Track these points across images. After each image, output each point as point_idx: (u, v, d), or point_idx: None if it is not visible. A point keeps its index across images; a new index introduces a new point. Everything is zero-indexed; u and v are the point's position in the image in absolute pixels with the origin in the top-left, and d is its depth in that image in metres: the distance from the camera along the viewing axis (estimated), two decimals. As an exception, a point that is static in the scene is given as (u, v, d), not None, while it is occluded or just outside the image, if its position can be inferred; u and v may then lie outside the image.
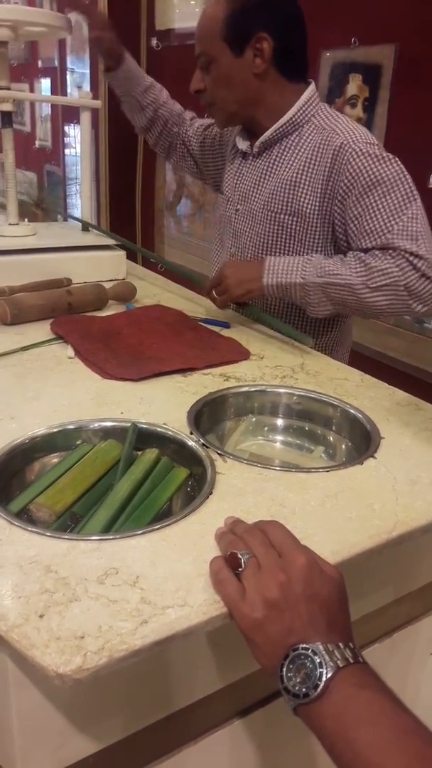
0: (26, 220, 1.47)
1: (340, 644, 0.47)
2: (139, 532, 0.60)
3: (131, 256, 1.56)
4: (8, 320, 1.14)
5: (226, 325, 1.22)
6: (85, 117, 1.48)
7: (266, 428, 0.95)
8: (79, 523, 0.67)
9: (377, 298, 1.06)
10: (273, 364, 1.05)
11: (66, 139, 3.54)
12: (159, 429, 0.80)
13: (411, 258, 1.04)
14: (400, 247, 1.05)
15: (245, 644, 0.50)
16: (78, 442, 0.80)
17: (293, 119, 1.15)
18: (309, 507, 0.66)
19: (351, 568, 0.59)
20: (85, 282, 1.35)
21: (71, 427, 0.80)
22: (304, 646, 0.46)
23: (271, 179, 1.19)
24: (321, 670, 0.45)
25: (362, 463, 0.76)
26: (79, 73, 3.28)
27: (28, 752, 0.53)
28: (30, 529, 0.60)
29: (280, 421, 0.95)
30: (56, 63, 3.47)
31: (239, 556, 0.53)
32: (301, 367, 1.05)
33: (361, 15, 1.77)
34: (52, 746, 0.54)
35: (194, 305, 1.35)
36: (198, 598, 0.53)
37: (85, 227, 1.56)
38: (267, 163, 1.20)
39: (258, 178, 1.22)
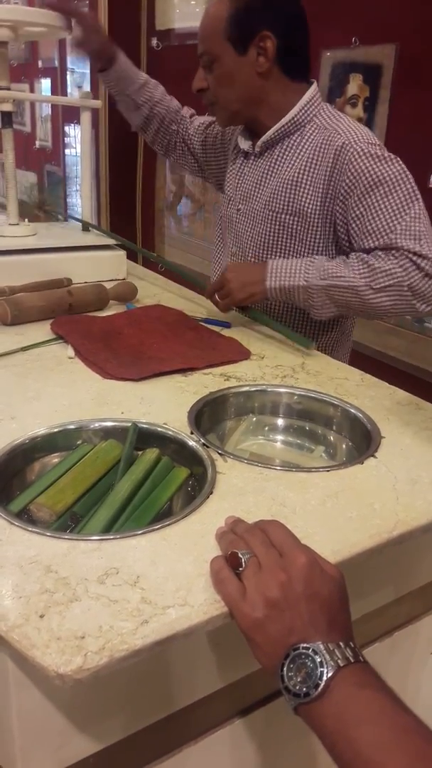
0: (26, 220, 1.47)
1: (341, 643, 0.47)
2: (140, 531, 0.60)
3: (131, 256, 1.56)
4: (8, 320, 1.14)
5: (227, 325, 1.22)
6: (85, 117, 1.48)
7: (267, 428, 0.95)
8: (80, 523, 0.67)
9: (381, 299, 1.06)
10: (273, 364, 1.04)
11: (66, 139, 3.54)
12: (159, 429, 0.80)
13: (414, 258, 1.04)
14: (403, 247, 1.04)
15: (246, 644, 0.50)
16: (78, 442, 0.80)
17: (295, 119, 1.15)
18: (309, 506, 0.66)
19: (351, 567, 0.59)
20: (85, 282, 1.35)
21: (72, 427, 0.80)
22: (304, 645, 0.46)
23: (272, 179, 1.19)
24: (321, 669, 0.45)
25: (363, 463, 0.76)
26: (79, 73, 3.28)
27: (28, 752, 0.53)
28: (30, 529, 0.60)
29: (280, 421, 0.95)
30: (56, 63, 3.47)
31: (240, 555, 0.53)
32: (302, 366, 1.05)
33: (361, 15, 1.77)
34: (52, 746, 0.54)
35: (194, 305, 1.35)
36: (198, 597, 0.52)
37: (86, 227, 1.56)
38: (268, 163, 1.20)
39: (259, 178, 1.22)
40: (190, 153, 1.44)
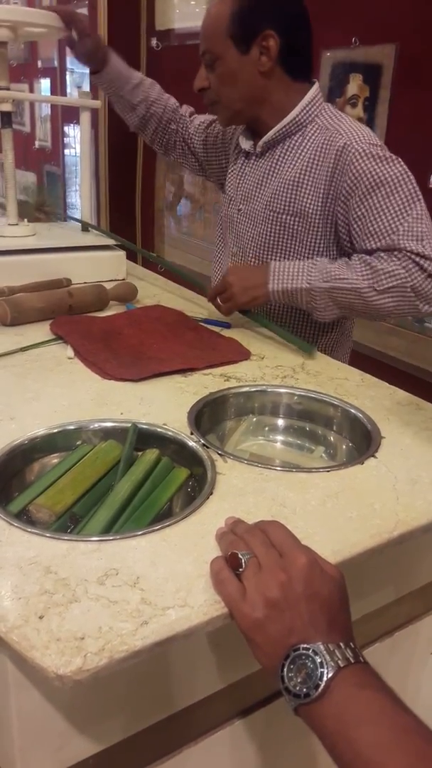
0: (26, 220, 1.47)
1: (341, 644, 0.46)
2: (140, 532, 0.60)
3: (131, 257, 1.56)
4: (8, 321, 1.14)
5: (227, 326, 1.21)
6: (85, 117, 1.48)
7: (267, 428, 0.95)
8: (79, 524, 0.67)
9: (384, 301, 1.06)
10: (273, 364, 1.04)
11: (65, 140, 3.53)
12: (159, 429, 0.80)
13: (417, 259, 1.04)
14: (405, 248, 1.04)
15: (246, 644, 0.50)
16: (78, 443, 0.79)
17: (297, 119, 1.15)
18: (310, 507, 0.66)
19: (352, 567, 0.59)
20: (84, 282, 1.35)
21: (71, 427, 0.80)
22: (304, 645, 0.46)
23: (273, 179, 1.19)
24: (322, 669, 0.45)
25: (363, 463, 0.76)
26: (78, 73, 3.28)
27: (28, 753, 0.53)
28: (30, 530, 0.60)
29: (280, 421, 0.95)
30: (56, 63, 3.47)
31: (240, 556, 0.53)
32: (302, 367, 1.04)
33: (361, 15, 1.77)
34: (52, 747, 0.54)
35: (194, 305, 1.35)
36: (198, 598, 0.52)
37: (85, 227, 1.56)
38: (270, 163, 1.20)
39: (261, 178, 1.21)
40: (190, 152, 1.44)
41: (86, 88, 3.19)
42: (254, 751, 0.70)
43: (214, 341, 1.12)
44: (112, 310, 1.27)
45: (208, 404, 0.89)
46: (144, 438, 0.79)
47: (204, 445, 0.77)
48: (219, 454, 0.75)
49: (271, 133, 1.17)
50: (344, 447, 0.90)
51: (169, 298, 1.40)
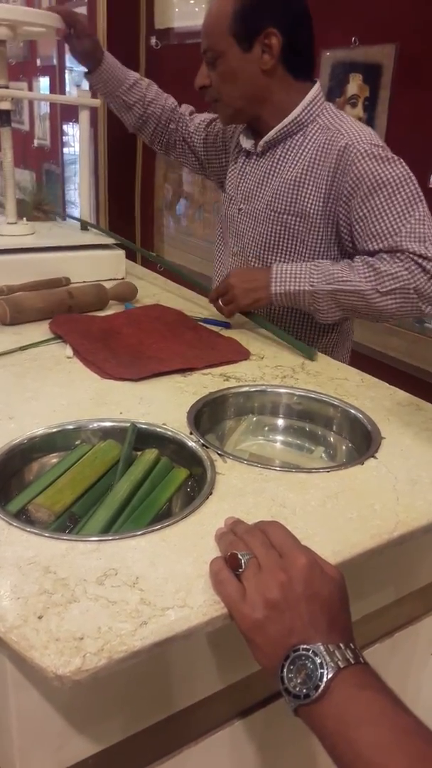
0: (25, 219, 1.47)
1: (341, 645, 0.46)
2: (139, 532, 0.60)
3: (130, 256, 1.56)
4: (8, 321, 1.14)
5: (227, 325, 1.21)
6: (84, 116, 1.48)
7: (266, 428, 0.95)
8: (78, 524, 0.67)
9: (387, 303, 1.06)
10: (273, 364, 1.04)
11: (65, 138, 3.53)
12: (158, 429, 0.80)
13: (420, 260, 1.04)
14: (408, 250, 1.04)
15: (245, 645, 0.50)
16: (77, 443, 0.79)
17: (298, 118, 1.15)
18: (309, 507, 0.66)
19: (352, 568, 0.59)
20: (84, 281, 1.35)
21: (70, 427, 0.80)
22: (304, 646, 0.46)
23: (274, 179, 1.18)
24: (322, 670, 0.45)
25: (363, 463, 0.76)
26: (77, 71, 3.27)
27: (27, 754, 0.53)
28: (29, 529, 0.60)
29: (280, 422, 0.95)
30: (55, 61, 3.47)
31: (239, 556, 0.52)
32: (302, 367, 1.04)
33: (361, 14, 1.77)
34: (51, 747, 0.54)
35: (194, 305, 1.35)
36: (198, 599, 0.52)
37: (84, 226, 1.56)
38: (271, 163, 1.19)
39: (261, 178, 1.21)
40: (191, 151, 1.43)
41: (85, 86, 3.18)
42: (254, 752, 0.69)
43: (214, 341, 1.11)
44: (111, 309, 1.27)
45: (208, 404, 0.89)
46: (143, 438, 0.79)
47: (203, 445, 0.76)
48: (218, 454, 0.75)
49: (272, 132, 1.17)
50: (344, 447, 0.90)
51: (168, 297, 1.40)
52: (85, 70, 1.37)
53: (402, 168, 1.07)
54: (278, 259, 1.21)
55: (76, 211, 1.76)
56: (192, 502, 0.66)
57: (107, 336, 1.09)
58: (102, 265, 1.44)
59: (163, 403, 0.87)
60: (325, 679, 0.44)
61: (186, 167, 1.50)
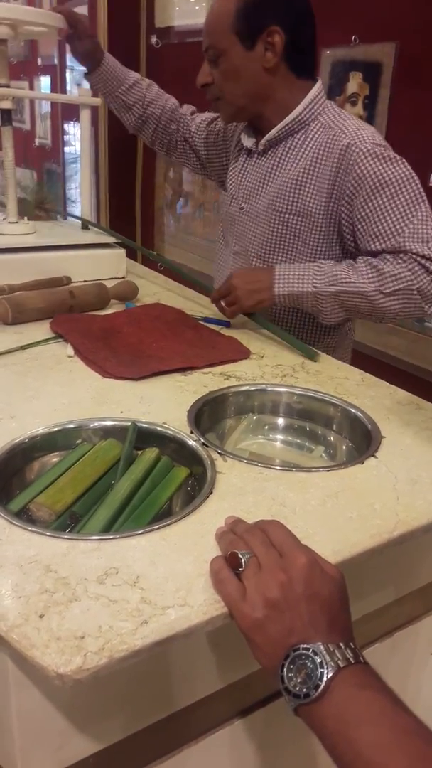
0: (26, 218, 1.47)
1: (341, 644, 0.46)
2: (139, 531, 0.60)
3: (131, 255, 1.56)
4: (9, 320, 1.14)
5: (227, 324, 1.21)
6: (85, 115, 1.48)
7: (266, 427, 0.95)
8: (79, 523, 0.67)
9: (391, 304, 1.06)
10: (273, 363, 1.04)
11: (66, 137, 3.53)
12: (159, 428, 0.80)
13: (423, 261, 1.04)
14: (411, 251, 1.04)
15: (246, 644, 0.50)
16: (78, 442, 0.79)
17: (300, 117, 1.14)
18: (309, 506, 0.66)
19: (352, 567, 0.59)
20: (84, 280, 1.35)
21: (71, 426, 0.80)
22: (304, 646, 0.46)
23: (276, 178, 1.18)
24: (322, 670, 0.45)
25: (363, 463, 0.76)
26: (78, 71, 3.27)
27: (28, 752, 0.53)
28: (30, 528, 0.60)
29: (280, 421, 0.95)
30: (56, 61, 3.47)
31: (240, 555, 0.52)
32: (302, 366, 1.04)
33: (361, 13, 1.77)
34: (52, 746, 0.54)
35: (194, 304, 1.35)
36: (198, 598, 0.52)
37: (85, 225, 1.56)
38: (272, 162, 1.19)
39: (263, 177, 1.21)
40: (192, 151, 1.43)
41: (86, 85, 3.18)
42: (254, 751, 0.70)
43: (214, 340, 1.11)
44: (112, 308, 1.27)
45: (208, 403, 0.89)
46: (144, 437, 0.79)
47: (204, 444, 0.77)
48: (219, 453, 0.75)
49: (274, 131, 1.17)
50: (344, 446, 0.90)
51: (168, 296, 1.40)
52: (85, 70, 1.37)
53: (404, 168, 1.07)
54: (280, 258, 1.20)
55: (76, 210, 1.76)
56: (192, 501, 0.66)
57: (108, 335, 1.09)
58: (103, 264, 1.44)
59: (164, 402, 0.87)
60: (325, 679, 0.44)
61: (187, 168, 1.50)
